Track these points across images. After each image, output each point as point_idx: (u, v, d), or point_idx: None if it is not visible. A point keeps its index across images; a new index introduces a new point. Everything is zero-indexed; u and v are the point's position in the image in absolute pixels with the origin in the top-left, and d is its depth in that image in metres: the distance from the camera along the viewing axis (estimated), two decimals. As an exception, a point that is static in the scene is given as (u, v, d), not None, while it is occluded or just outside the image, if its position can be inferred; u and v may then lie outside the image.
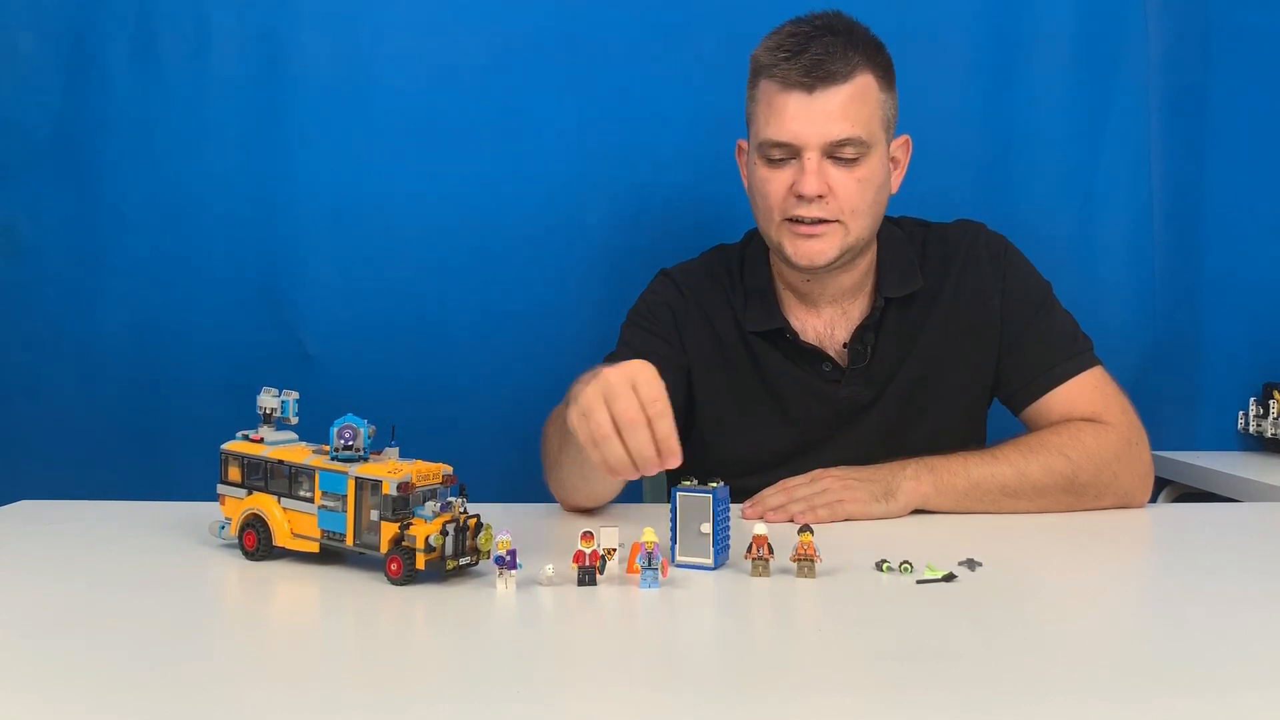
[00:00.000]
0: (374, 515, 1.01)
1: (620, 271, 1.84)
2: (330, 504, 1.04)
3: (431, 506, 1.00)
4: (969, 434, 1.51)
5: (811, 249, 1.38)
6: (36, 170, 1.89)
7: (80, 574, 1.07)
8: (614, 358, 1.48)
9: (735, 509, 1.09)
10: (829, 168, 1.36)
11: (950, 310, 1.47)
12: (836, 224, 1.38)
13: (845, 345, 1.47)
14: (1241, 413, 2.01)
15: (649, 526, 1.00)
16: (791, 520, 1.26)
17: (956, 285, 1.47)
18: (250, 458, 1.10)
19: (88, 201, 1.89)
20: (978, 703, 0.74)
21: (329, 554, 1.07)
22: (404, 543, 0.98)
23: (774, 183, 1.39)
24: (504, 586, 0.98)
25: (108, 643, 0.86)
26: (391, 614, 0.94)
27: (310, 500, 1.06)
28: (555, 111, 1.91)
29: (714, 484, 1.06)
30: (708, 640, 0.91)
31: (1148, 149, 1.98)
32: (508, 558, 0.98)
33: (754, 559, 1.04)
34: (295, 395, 1.14)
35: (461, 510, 1.01)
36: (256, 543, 1.08)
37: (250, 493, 1.10)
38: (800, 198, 1.36)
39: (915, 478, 1.32)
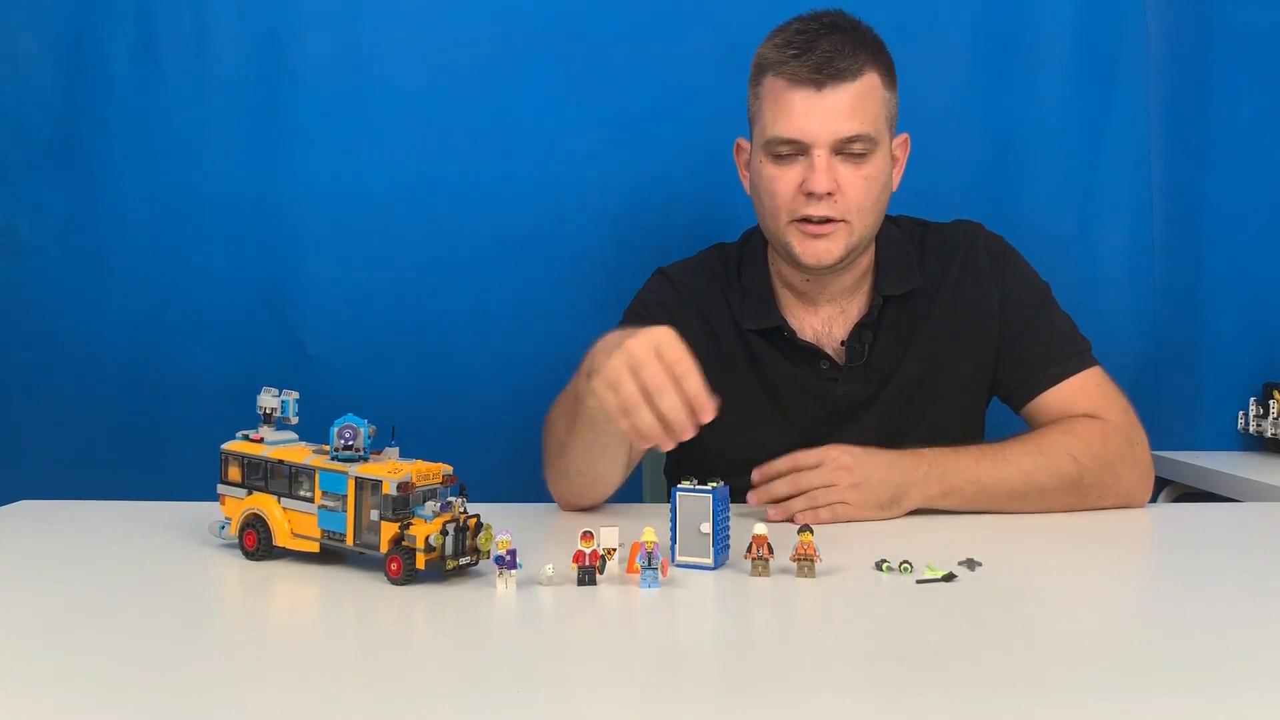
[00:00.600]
0: (374, 515, 1.01)
1: (619, 271, 1.84)
2: (330, 504, 1.04)
3: (431, 506, 1.00)
4: (968, 432, 1.50)
5: (819, 249, 1.38)
6: (36, 170, 1.89)
7: (80, 574, 1.07)
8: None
9: (735, 509, 1.09)
10: (837, 165, 1.36)
11: (949, 309, 1.47)
12: (843, 223, 1.38)
13: (843, 343, 1.47)
14: (1241, 413, 2.01)
15: (649, 526, 1.00)
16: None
17: (955, 284, 1.47)
18: (250, 458, 1.10)
19: (88, 201, 1.89)
20: (978, 703, 0.74)
21: (329, 554, 1.07)
22: (404, 543, 0.98)
23: (782, 181, 1.38)
24: (504, 586, 0.98)
25: (108, 643, 0.86)
26: (391, 614, 0.94)
27: (310, 500, 1.06)
28: (554, 111, 1.91)
29: (714, 484, 1.06)
30: (708, 640, 0.91)
31: (1148, 149, 1.98)
32: (508, 558, 0.98)
33: (754, 559, 1.04)
34: (295, 395, 1.14)
35: (461, 510, 1.01)
36: (256, 543, 1.08)
37: (250, 493, 1.10)
38: (810, 195, 1.36)
39: (924, 482, 1.31)
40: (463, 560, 1.00)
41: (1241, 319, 2.03)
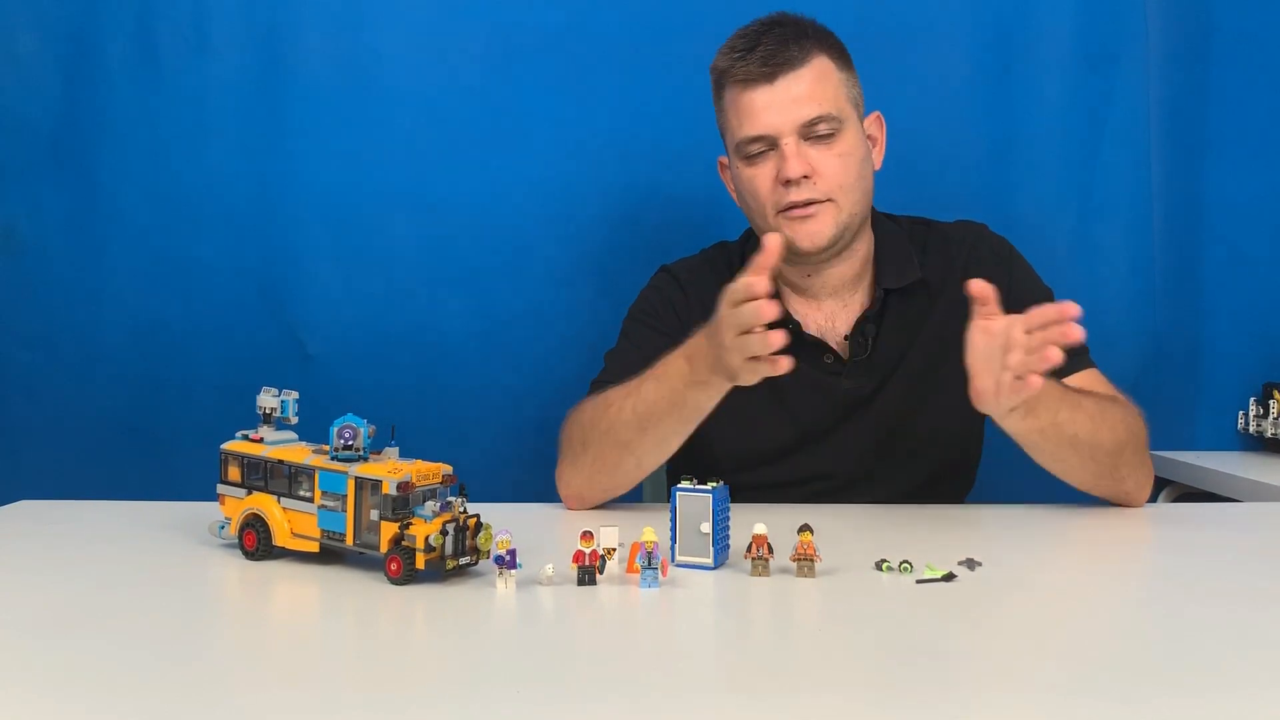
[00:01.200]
0: (374, 515, 1.01)
1: (619, 271, 1.84)
2: (330, 504, 1.04)
3: (431, 506, 1.00)
4: (971, 428, 1.51)
5: (810, 229, 1.40)
6: (36, 170, 1.89)
7: (80, 574, 1.07)
8: (615, 353, 1.49)
9: (735, 509, 1.09)
10: (808, 149, 1.39)
11: (953, 305, 1.46)
12: (828, 203, 1.40)
13: (846, 337, 1.47)
14: (1241, 413, 2.01)
15: (649, 526, 1.00)
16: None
17: (961, 280, 1.47)
18: (250, 457, 1.10)
19: (88, 201, 1.89)
20: (978, 703, 0.74)
21: (329, 554, 1.07)
22: (404, 542, 0.98)
23: (759, 178, 1.41)
24: (504, 586, 0.98)
25: (108, 643, 0.86)
26: (391, 614, 0.94)
27: (310, 500, 1.06)
28: (554, 112, 1.91)
29: (714, 484, 1.06)
30: (708, 640, 0.91)
31: (1148, 149, 1.98)
32: (508, 557, 0.98)
33: (754, 559, 1.04)
34: (295, 395, 1.14)
35: (461, 510, 1.01)
36: (256, 543, 1.08)
37: (250, 492, 1.10)
38: (788, 183, 1.38)
39: None
40: (463, 560, 1.00)
41: (1241, 319, 2.03)
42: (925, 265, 1.48)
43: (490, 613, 0.94)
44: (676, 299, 1.52)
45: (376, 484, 1.01)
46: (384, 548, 1.00)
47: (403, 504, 0.99)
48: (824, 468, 1.48)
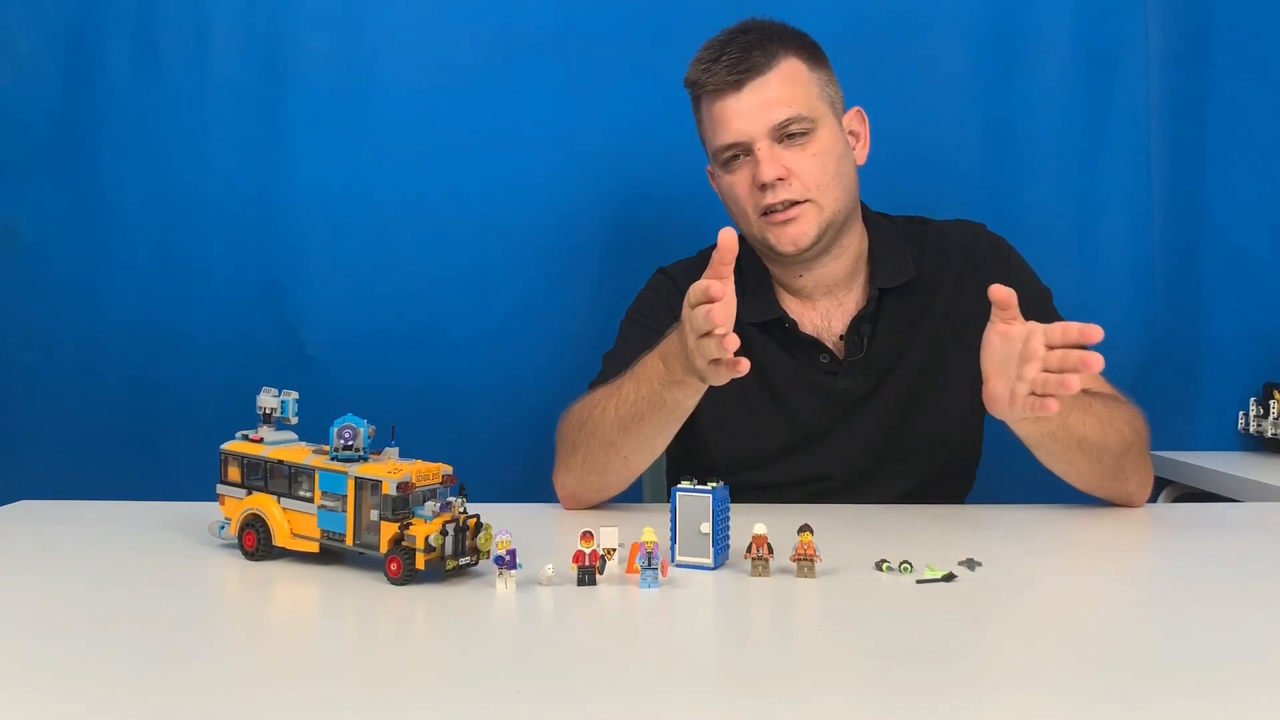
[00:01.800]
0: (374, 515, 1.01)
1: (618, 271, 1.84)
2: (330, 504, 1.04)
3: (431, 506, 1.00)
4: (970, 429, 1.51)
5: (792, 233, 1.40)
6: (36, 170, 1.89)
7: (80, 574, 1.07)
8: (613, 355, 1.49)
9: (735, 509, 1.09)
10: (782, 152, 1.39)
11: (951, 304, 1.47)
12: (808, 203, 1.40)
13: (842, 337, 1.47)
14: (1241, 413, 2.01)
15: (649, 526, 1.00)
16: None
17: (958, 280, 1.48)
18: (250, 458, 1.10)
19: (88, 201, 1.89)
20: (978, 703, 0.74)
21: (329, 554, 1.07)
22: (404, 543, 0.98)
23: (738, 184, 1.43)
24: (504, 586, 0.98)
25: (108, 642, 0.86)
26: (391, 614, 0.94)
27: (310, 500, 1.06)
28: (553, 112, 1.91)
29: (714, 484, 1.06)
30: (708, 640, 0.91)
31: (1148, 149, 1.98)
32: (508, 558, 0.98)
33: (754, 559, 1.04)
34: (295, 395, 1.14)
35: (461, 510, 1.01)
36: (256, 543, 1.08)
37: (250, 493, 1.10)
38: (764, 187, 1.39)
39: None
40: (463, 560, 1.00)
41: (1241, 319, 2.03)
42: (922, 264, 1.48)
43: (490, 613, 0.94)
44: (674, 300, 1.52)
45: (376, 484, 1.01)
46: (384, 548, 1.00)
47: (403, 504, 0.99)
48: (822, 468, 1.48)
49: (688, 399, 1.29)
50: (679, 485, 1.06)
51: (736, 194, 1.43)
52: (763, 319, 1.48)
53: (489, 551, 1.00)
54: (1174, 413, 2.01)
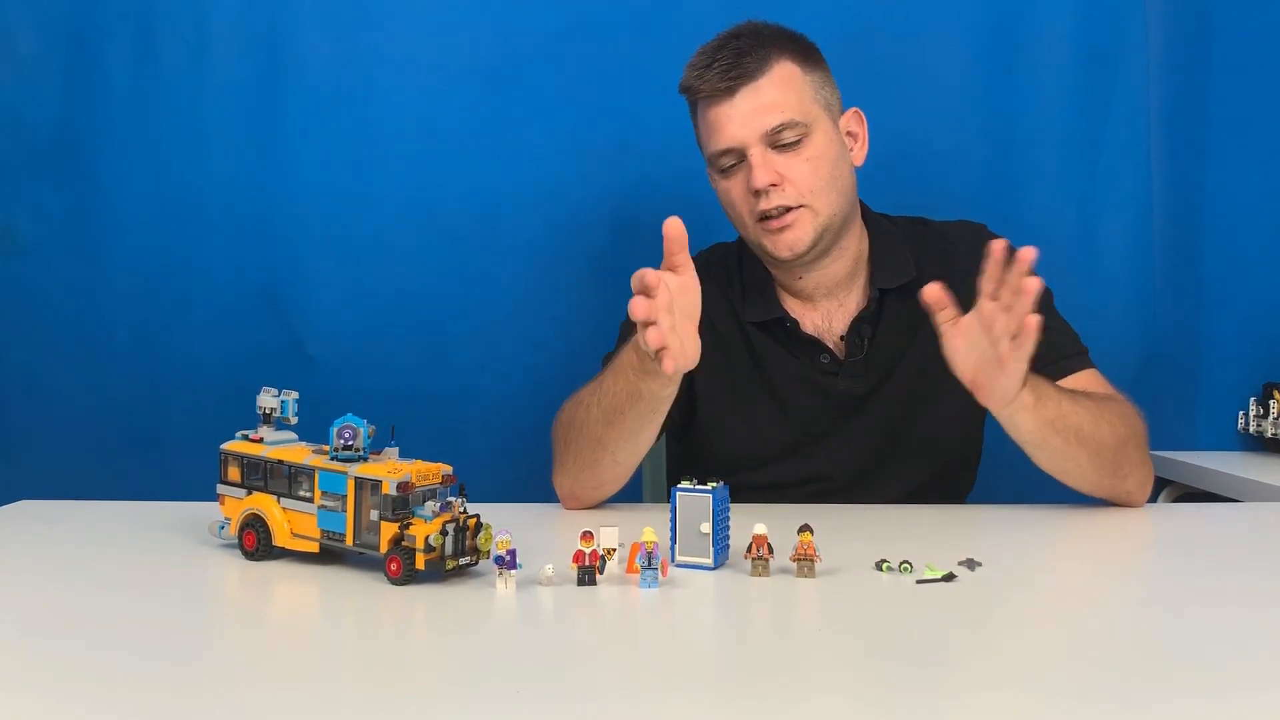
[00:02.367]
0: (374, 515, 1.01)
1: (619, 271, 1.82)
2: (330, 504, 1.04)
3: (431, 506, 1.00)
4: (969, 430, 1.51)
5: (788, 239, 1.40)
6: (36, 170, 1.89)
7: (80, 574, 1.07)
8: (612, 357, 1.48)
9: (735, 509, 1.09)
10: (775, 157, 1.39)
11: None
12: (803, 209, 1.40)
13: (843, 337, 1.47)
14: (1241, 413, 2.01)
15: (649, 526, 1.00)
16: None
17: (959, 281, 1.47)
18: (250, 458, 1.10)
19: (88, 201, 1.89)
20: (978, 703, 0.74)
21: (329, 554, 1.07)
22: (404, 543, 0.98)
23: (734, 190, 1.43)
24: (504, 586, 0.98)
25: (108, 643, 0.86)
26: (391, 614, 0.94)
27: (310, 500, 1.06)
28: (554, 112, 1.91)
29: (714, 484, 1.06)
30: (708, 640, 0.91)
31: (1148, 149, 1.98)
32: (508, 558, 0.98)
33: (754, 559, 1.04)
34: (295, 395, 1.14)
35: (461, 510, 1.01)
36: (256, 543, 1.08)
37: (250, 493, 1.10)
38: (758, 193, 1.39)
39: (1029, 378, 1.23)
40: (463, 560, 1.00)
41: (1241, 319, 2.03)
42: (922, 265, 1.48)
43: (490, 613, 0.94)
44: None
45: (376, 484, 1.01)
46: (384, 548, 1.00)
47: (403, 504, 0.99)
48: (822, 469, 1.48)
49: (662, 389, 1.28)
50: (679, 485, 1.06)
51: (732, 199, 1.43)
52: (764, 318, 1.48)
53: (489, 551, 1.00)
54: (1174, 413, 2.01)
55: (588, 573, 1.01)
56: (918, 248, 1.50)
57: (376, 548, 1.01)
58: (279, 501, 1.08)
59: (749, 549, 1.04)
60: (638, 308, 1.14)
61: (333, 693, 0.75)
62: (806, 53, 1.44)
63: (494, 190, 1.91)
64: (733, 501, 1.09)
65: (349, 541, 1.03)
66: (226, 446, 1.12)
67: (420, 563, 0.98)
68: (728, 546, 1.08)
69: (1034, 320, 1.13)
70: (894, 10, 1.93)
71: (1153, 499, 1.44)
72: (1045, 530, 1.28)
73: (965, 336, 1.20)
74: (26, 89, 1.88)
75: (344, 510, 1.03)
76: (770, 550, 1.04)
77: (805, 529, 1.04)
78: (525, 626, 0.91)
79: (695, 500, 1.06)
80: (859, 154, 1.48)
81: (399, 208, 1.90)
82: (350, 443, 1.04)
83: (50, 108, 1.88)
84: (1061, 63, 1.96)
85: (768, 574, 1.03)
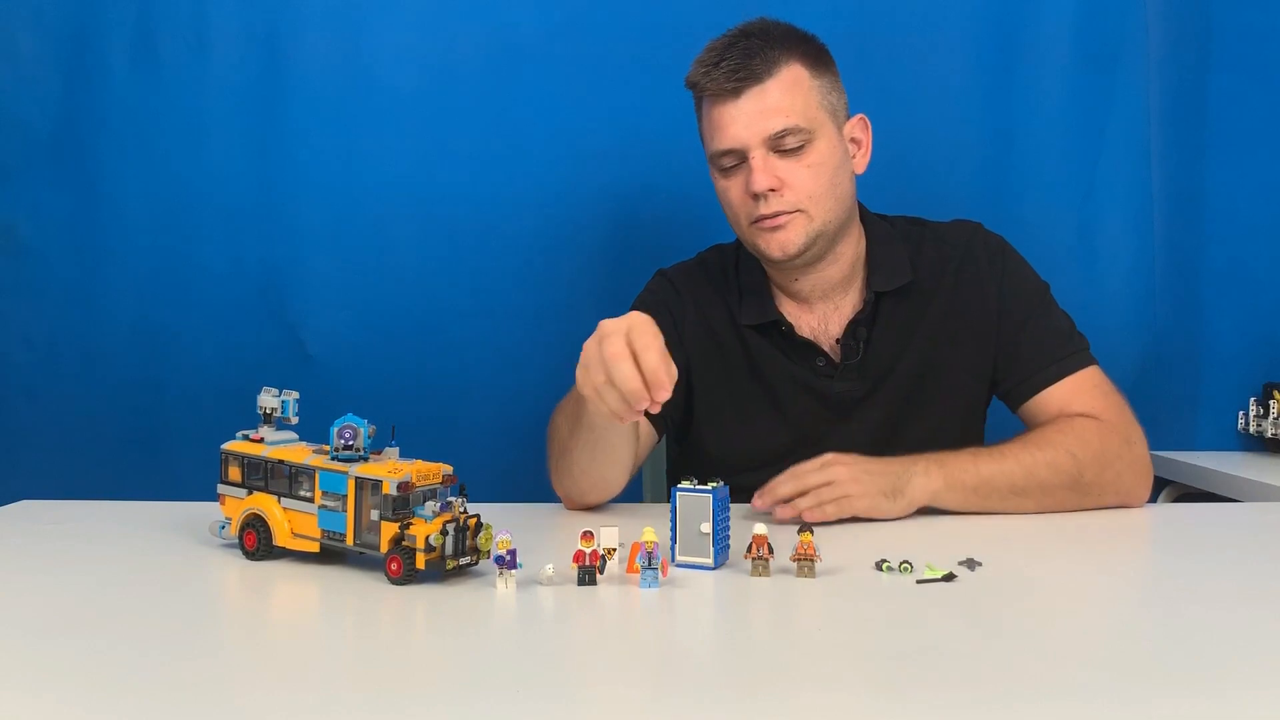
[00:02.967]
0: (374, 515, 1.01)
1: (619, 271, 1.84)
2: (330, 504, 1.04)
3: (431, 506, 1.00)
4: (967, 432, 1.50)
5: (780, 239, 1.40)
6: (36, 170, 1.89)
7: (80, 574, 1.07)
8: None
9: (735, 508, 1.09)
10: (776, 161, 1.38)
11: (948, 307, 1.47)
12: (798, 213, 1.39)
13: (838, 341, 1.47)
14: (1241, 413, 2.01)
15: (649, 526, 1.00)
16: (799, 517, 1.26)
17: (954, 283, 1.48)
18: (250, 457, 1.10)
19: (88, 201, 1.89)
20: (978, 703, 0.74)
21: (329, 554, 1.07)
22: (404, 542, 0.98)
23: (732, 190, 1.42)
24: (504, 586, 0.98)
25: (108, 642, 0.86)
26: (391, 614, 0.94)
27: (310, 500, 1.06)
28: (554, 112, 1.91)
29: (714, 484, 1.06)
30: (708, 640, 0.91)
31: (1148, 149, 1.98)
32: (508, 557, 0.98)
33: (754, 559, 1.04)
34: (295, 395, 1.14)
35: (461, 510, 1.02)
36: (256, 543, 1.08)
37: (250, 493, 1.10)
38: (756, 197, 1.38)
39: (925, 474, 1.31)
40: (463, 560, 1.00)
41: (1241, 319, 2.03)
42: (919, 267, 1.48)
43: (490, 613, 0.94)
44: (670, 299, 1.52)
45: (376, 484, 1.01)
46: (384, 548, 1.00)
47: (403, 504, 0.99)
48: None
49: (613, 427, 1.25)
50: (679, 485, 1.06)
51: (730, 199, 1.43)
52: (759, 321, 1.48)
53: (489, 551, 1.00)
54: (1174, 413, 2.01)
55: (588, 573, 1.01)
56: (915, 249, 1.50)
57: (377, 548, 1.01)
58: (279, 501, 1.08)
59: (749, 549, 1.04)
60: (625, 412, 1.10)
61: (333, 693, 0.75)
62: (816, 56, 1.43)
63: (494, 190, 1.91)
64: (732, 502, 1.09)
65: (349, 541, 1.03)
66: (227, 446, 1.12)
67: (420, 563, 0.98)
68: (728, 546, 1.08)
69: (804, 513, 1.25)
70: (894, 10, 1.93)
71: (1153, 499, 1.43)
72: (1045, 530, 1.28)
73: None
74: (26, 89, 1.88)
75: (344, 510, 1.03)
76: (770, 550, 1.04)
77: (805, 529, 1.04)
78: (525, 626, 0.91)
79: (695, 500, 1.06)
80: (860, 162, 1.47)
81: (399, 207, 1.90)
82: (350, 443, 1.04)
83: (50, 108, 1.88)
84: (1061, 63, 1.96)
85: (768, 574, 1.03)
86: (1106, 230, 1.98)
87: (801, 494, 1.28)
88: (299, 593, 1.01)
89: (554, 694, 0.76)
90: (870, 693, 0.76)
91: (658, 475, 1.77)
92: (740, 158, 1.40)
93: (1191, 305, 2.03)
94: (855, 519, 1.28)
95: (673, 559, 1.07)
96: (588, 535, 1.01)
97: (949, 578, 1.02)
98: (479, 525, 1.01)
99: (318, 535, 1.06)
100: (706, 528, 1.05)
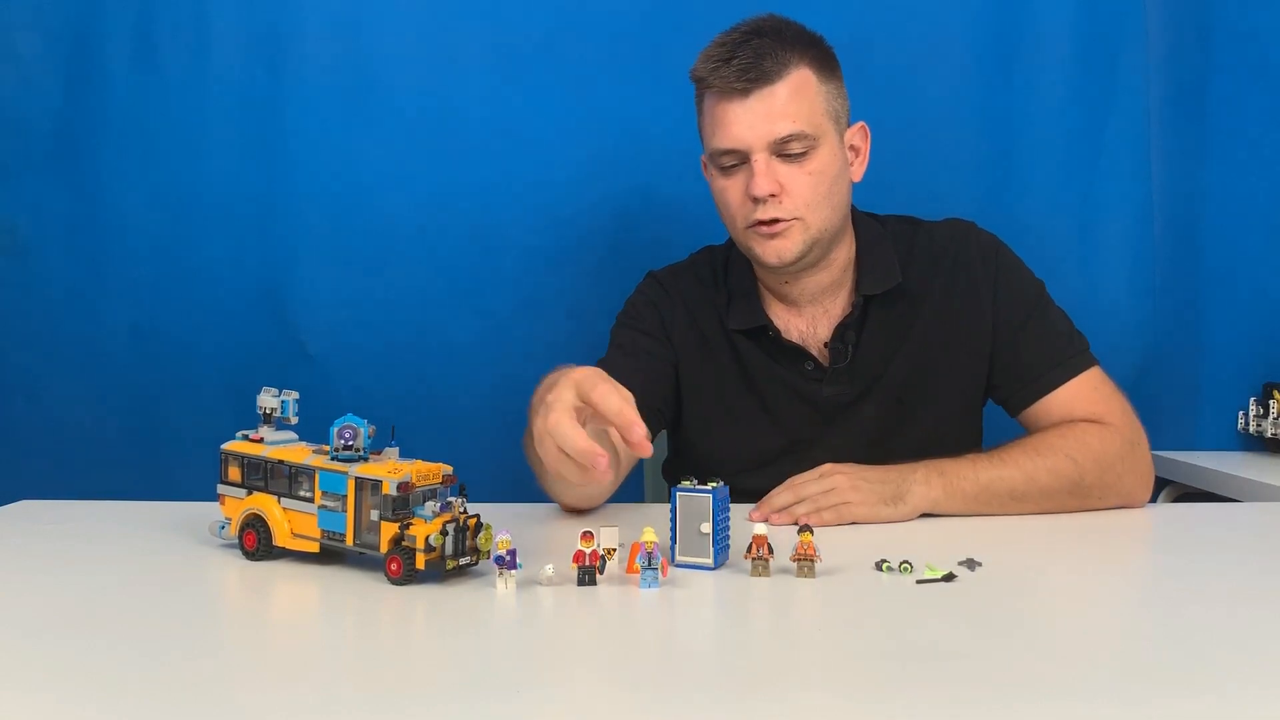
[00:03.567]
0: (374, 515, 1.01)
1: (618, 272, 1.84)
2: (330, 504, 1.04)
3: (431, 506, 1.00)
4: (962, 435, 1.50)
5: (776, 247, 1.39)
6: (36, 170, 1.89)
7: (80, 574, 1.07)
8: (605, 361, 1.48)
9: (735, 509, 1.09)
10: (778, 166, 1.37)
11: (940, 310, 1.46)
12: (796, 221, 1.38)
13: (827, 344, 1.47)
14: (1241, 413, 2.01)
15: (649, 526, 1.00)
16: (796, 523, 1.25)
17: (947, 285, 1.47)
18: (250, 458, 1.10)
19: (88, 201, 1.89)
20: (977, 703, 0.74)
21: (329, 554, 1.07)
22: (404, 543, 0.98)
23: (731, 191, 1.40)
24: (504, 586, 0.98)
25: (107, 643, 0.86)
26: (391, 614, 0.94)
27: (310, 500, 1.06)
28: (553, 113, 1.91)
29: (714, 484, 1.06)
30: (708, 640, 0.91)
31: (1148, 149, 1.98)
32: (508, 558, 0.98)
33: (754, 559, 1.04)
34: (295, 395, 1.14)
35: (461, 510, 1.01)
36: (256, 543, 1.08)
37: (250, 493, 1.10)
38: (755, 200, 1.37)
39: (925, 481, 1.31)
40: (463, 560, 1.00)
41: (1241, 319, 2.03)
42: (910, 268, 1.47)
43: (490, 613, 0.94)
44: (659, 299, 1.52)
45: (376, 484, 1.01)
46: (384, 548, 1.00)
47: (403, 504, 0.99)
48: None
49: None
50: (679, 485, 1.06)
51: (727, 200, 1.41)
52: (746, 326, 1.47)
53: (489, 551, 1.00)
54: (1174, 413, 2.01)
55: (588, 573, 1.01)
56: (906, 249, 1.48)
57: (377, 548, 1.01)
58: (279, 501, 1.08)
59: (749, 549, 1.04)
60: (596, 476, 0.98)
61: (333, 693, 0.75)
62: (825, 60, 1.41)
63: (494, 190, 1.91)
64: (733, 503, 1.09)
65: (349, 541, 1.03)
66: (227, 446, 1.12)
67: (420, 563, 0.98)
68: (728, 546, 1.08)
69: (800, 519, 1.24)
70: (894, 10, 1.93)
71: (1153, 499, 1.43)
72: (1045, 530, 1.28)
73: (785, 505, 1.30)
74: (26, 89, 1.89)
75: (344, 510, 1.03)
76: (770, 550, 1.04)
77: (805, 529, 1.04)
78: (525, 626, 0.91)
79: (695, 500, 1.06)
80: (858, 170, 1.46)
81: (399, 207, 1.90)
82: (350, 443, 1.04)
83: (50, 108, 1.89)
84: (1061, 63, 1.96)
85: (768, 574, 1.03)
86: (1106, 230, 1.98)
87: (799, 503, 1.29)
88: (299, 593, 1.01)
89: (554, 694, 0.76)
90: (870, 693, 0.76)
91: (658, 475, 1.77)
92: (741, 158, 1.38)
93: (1191, 305, 2.03)
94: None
95: (673, 559, 1.07)
96: (588, 535, 1.01)
97: (949, 578, 1.02)
98: (479, 525, 1.01)
99: (318, 535, 1.05)
100: (706, 528, 1.05)
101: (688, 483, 1.07)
